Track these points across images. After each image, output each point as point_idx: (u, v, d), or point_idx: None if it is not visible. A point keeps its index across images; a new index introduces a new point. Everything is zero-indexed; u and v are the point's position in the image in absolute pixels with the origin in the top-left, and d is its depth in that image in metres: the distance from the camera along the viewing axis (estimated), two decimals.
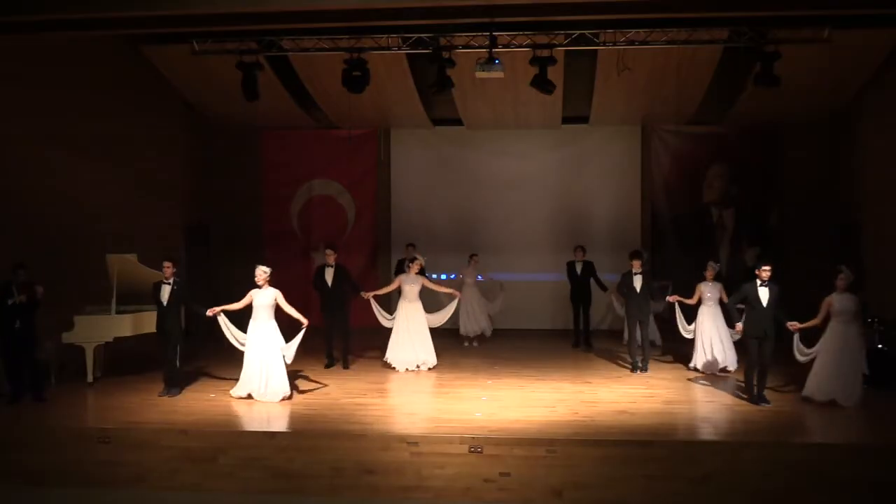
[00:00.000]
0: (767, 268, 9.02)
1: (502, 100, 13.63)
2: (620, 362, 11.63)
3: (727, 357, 10.76)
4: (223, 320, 9.40)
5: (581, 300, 13.01)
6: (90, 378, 10.15)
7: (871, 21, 10.79)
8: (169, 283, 9.53)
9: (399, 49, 11.68)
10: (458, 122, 14.96)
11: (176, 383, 9.65)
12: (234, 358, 10.07)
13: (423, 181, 15.42)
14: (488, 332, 13.52)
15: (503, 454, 7.63)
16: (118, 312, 10.34)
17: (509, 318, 14.79)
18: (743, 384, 9.58)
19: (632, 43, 11.36)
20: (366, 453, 7.79)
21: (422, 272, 11.38)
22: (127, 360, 11.00)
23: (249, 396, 9.35)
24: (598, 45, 11.39)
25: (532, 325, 14.88)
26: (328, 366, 11.31)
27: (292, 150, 15.45)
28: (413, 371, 11.11)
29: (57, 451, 8.07)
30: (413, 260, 11.48)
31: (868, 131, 13.03)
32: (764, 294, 8.97)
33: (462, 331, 13.35)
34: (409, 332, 11.15)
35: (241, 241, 14.99)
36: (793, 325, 8.92)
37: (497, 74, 10.85)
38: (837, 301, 8.87)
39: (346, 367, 11.28)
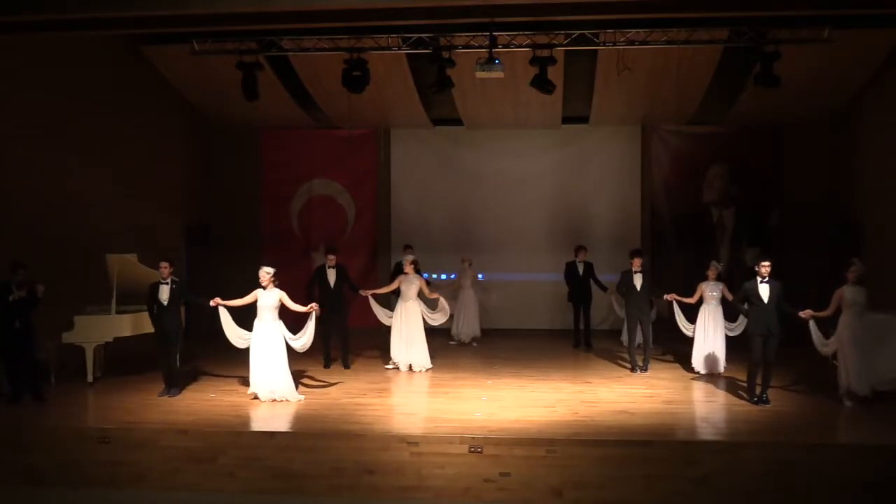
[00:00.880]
0: (767, 263, 9.02)
1: (502, 100, 13.63)
2: (620, 362, 11.63)
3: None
4: (225, 315, 9.38)
5: (582, 300, 13.02)
6: (90, 378, 10.15)
7: (871, 21, 10.79)
8: (167, 283, 9.52)
9: (399, 49, 11.68)
10: (458, 122, 14.96)
11: (176, 383, 9.66)
12: (233, 358, 10.08)
13: (423, 181, 15.41)
14: (478, 339, 13.54)
15: (503, 454, 7.63)
16: (118, 312, 10.34)
17: (509, 318, 14.81)
18: (743, 384, 9.58)
19: (632, 43, 11.36)
20: (366, 453, 7.79)
21: (418, 270, 11.36)
22: (127, 360, 11.00)
23: (256, 397, 9.36)
24: (598, 45, 11.39)
25: (532, 325, 14.87)
26: (327, 366, 11.31)
27: (292, 150, 15.44)
28: (407, 371, 11.08)
29: (57, 451, 8.07)
30: (412, 261, 11.43)
31: (868, 131, 13.03)
32: (765, 291, 8.97)
33: (454, 331, 13.42)
34: (403, 332, 11.13)
35: (241, 241, 14.99)
36: (805, 312, 8.93)
37: (497, 74, 10.85)
38: (849, 293, 8.89)
39: (347, 366, 11.28)
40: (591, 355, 12.38)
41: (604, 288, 12.78)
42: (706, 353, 10.75)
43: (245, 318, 9.53)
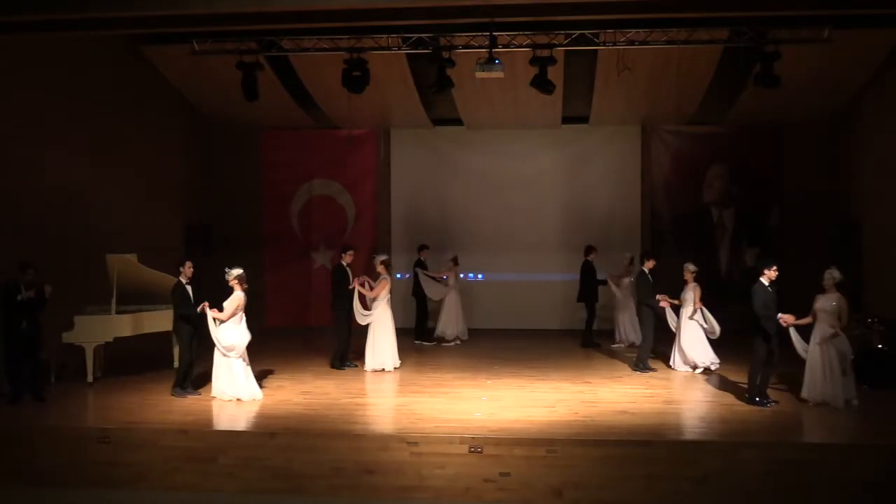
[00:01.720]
0: (775, 267, 9.01)
1: (502, 100, 13.64)
2: (621, 362, 11.63)
3: (706, 355, 10.81)
4: (212, 321, 9.29)
5: (595, 299, 13.16)
6: (90, 378, 10.14)
7: (871, 21, 10.79)
8: (188, 283, 9.56)
9: (399, 49, 11.69)
10: (458, 122, 14.96)
11: (191, 383, 9.66)
12: None
13: (422, 181, 15.42)
14: (463, 338, 13.58)
15: (503, 454, 7.63)
16: (118, 312, 10.34)
17: (509, 318, 14.82)
18: (743, 384, 9.57)
19: (632, 43, 11.36)
20: (366, 453, 7.79)
21: (388, 271, 11.24)
22: (127, 360, 10.99)
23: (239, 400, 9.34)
24: (598, 45, 11.40)
25: (532, 325, 14.86)
26: (344, 367, 11.19)
27: (292, 150, 15.45)
28: (378, 372, 11.00)
29: (57, 451, 8.06)
30: (382, 261, 11.29)
31: (868, 131, 13.03)
32: (774, 295, 8.93)
33: (438, 331, 13.45)
34: (374, 333, 11.10)
35: (241, 241, 14.99)
36: (786, 318, 8.77)
37: (497, 74, 10.85)
38: (819, 300, 8.82)
39: (353, 366, 11.29)
40: (591, 355, 12.38)
41: (602, 282, 13.07)
42: (681, 352, 10.88)
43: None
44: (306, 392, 9.79)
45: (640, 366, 10.95)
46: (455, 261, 13.55)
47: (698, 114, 14.20)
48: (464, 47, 11.42)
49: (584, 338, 13.13)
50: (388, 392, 10.06)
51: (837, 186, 14.01)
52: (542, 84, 11.27)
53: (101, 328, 10.20)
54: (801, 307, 9.14)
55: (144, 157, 13.09)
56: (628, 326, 13.00)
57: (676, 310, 10.99)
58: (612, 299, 13.27)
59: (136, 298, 10.66)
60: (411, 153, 15.50)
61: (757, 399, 9.00)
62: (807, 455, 7.48)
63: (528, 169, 15.19)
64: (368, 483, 7.71)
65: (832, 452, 7.51)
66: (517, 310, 14.85)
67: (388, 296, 11.15)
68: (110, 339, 10.28)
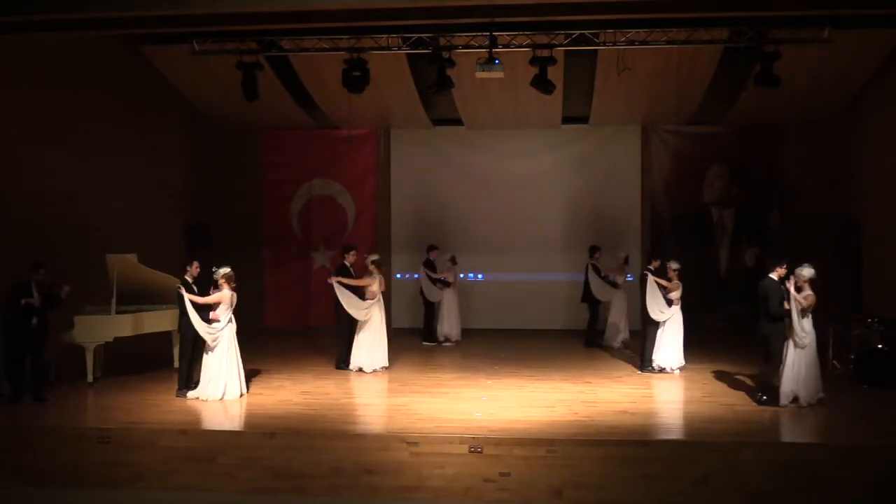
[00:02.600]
0: (785, 265, 8.98)
1: (502, 100, 13.63)
2: (620, 362, 11.63)
3: (675, 359, 10.78)
4: (191, 307, 9.31)
5: (599, 300, 13.15)
6: (90, 378, 10.14)
7: (871, 21, 10.79)
8: (196, 283, 9.58)
9: (399, 49, 11.68)
10: (458, 122, 14.95)
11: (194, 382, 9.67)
12: None
13: (422, 181, 15.41)
14: (457, 338, 13.57)
15: (503, 454, 7.63)
16: (118, 312, 10.33)
17: (509, 318, 14.81)
18: (742, 384, 9.57)
19: (632, 43, 11.36)
20: (366, 453, 7.79)
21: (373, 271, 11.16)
22: (127, 360, 11.00)
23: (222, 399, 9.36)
24: (598, 45, 11.39)
25: (532, 325, 14.85)
26: (349, 369, 11.14)
27: (292, 150, 15.45)
28: (370, 373, 10.96)
29: (57, 451, 8.06)
30: (373, 260, 11.21)
31: (868, 131, 13.03)
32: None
33: (437, 331, 13.43)
34: (358, 332, 11.08)
35: (241, 241, 14.99)
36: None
37: (497, 74, 10.84)
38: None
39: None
40: (591, 355, 12.38)
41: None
42: (668, 350, 10.80)
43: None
44: (306, 392, 9.79)
45: (646, 366, 10.93)
46: (453, 260, 13.55)
47: (698, 114, 14.19)
48: (464, 47, 11.42)
49: (587, 337, 13.14)
50: (388, 392, 10.06)
51: (837, 186, 14.00)
52: (542, 84, 11.26)
53: (101, 328, 10.20)
54: None
55: (144, 157, 13.07)
56: (622, 324, 12.99)
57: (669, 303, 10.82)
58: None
59: (136, 298, 10.66)
60: (411, 153, 15.49)
61: (765, 398, 8.94)
62: (807, 455, 7.48)
63: (528, 169, 15.17)
64: (368, 483, 7.71)
65: (832, 452, 7.50)
66: (517, 310, 14.84)
67: (380, 297, 11.10)
68: (110, 339, 10.28)
